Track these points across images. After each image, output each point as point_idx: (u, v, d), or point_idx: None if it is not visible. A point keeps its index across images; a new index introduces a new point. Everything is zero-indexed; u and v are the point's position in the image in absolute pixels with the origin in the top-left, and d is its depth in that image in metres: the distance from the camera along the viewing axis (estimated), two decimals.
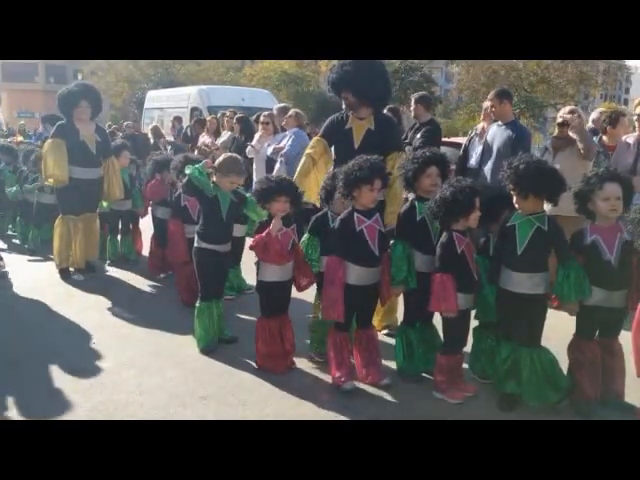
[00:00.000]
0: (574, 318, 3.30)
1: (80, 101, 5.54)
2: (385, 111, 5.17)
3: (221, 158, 4.10)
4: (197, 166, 3.89)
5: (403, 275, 3.48)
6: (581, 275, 3.11)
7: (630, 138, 5.11)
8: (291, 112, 7.13)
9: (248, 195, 4.19)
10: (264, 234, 3.52)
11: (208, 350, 3.96)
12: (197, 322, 4.00)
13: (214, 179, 3.98)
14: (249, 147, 7.24)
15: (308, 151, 4.56)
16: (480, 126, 6.24)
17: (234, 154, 4.41)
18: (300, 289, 3.75)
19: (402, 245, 3.53)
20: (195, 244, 4.06)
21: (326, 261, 3.47)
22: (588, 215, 3.23)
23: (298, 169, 4.50)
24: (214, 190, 3.94)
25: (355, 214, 3.45)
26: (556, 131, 5.28)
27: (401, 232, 3.60)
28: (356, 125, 4.41)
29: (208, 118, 9.83)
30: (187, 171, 3.89)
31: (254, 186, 3.77)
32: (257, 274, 3.75)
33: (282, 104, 7.57)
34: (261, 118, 7.51)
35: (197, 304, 4.02)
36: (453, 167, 6.90)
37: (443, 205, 3.24)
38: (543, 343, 3.30)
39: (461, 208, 3.22)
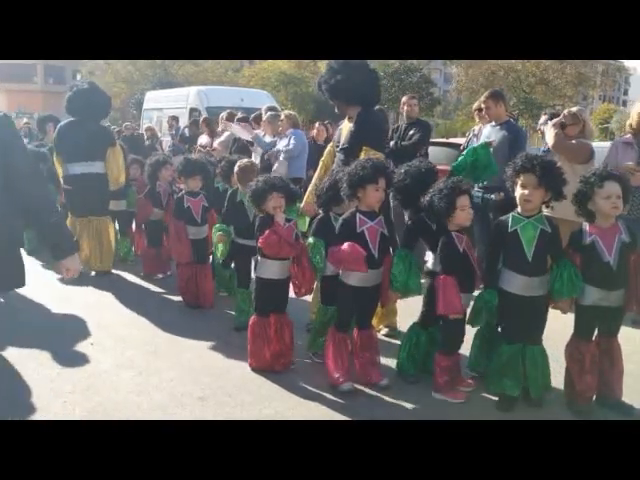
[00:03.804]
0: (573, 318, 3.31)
1: None
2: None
3: (237, 169, 4.53)
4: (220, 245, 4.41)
5: (402, 282, 3.44)
6: (574, 274, 3.13)
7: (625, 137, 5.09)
8: (283, 116, 7.11)
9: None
10: (274, 229, 3.49)
11: (241, 327, 4.27)
12: (238, 303, 4.54)
13: (240, 187, 4.49)
14: (253, 133, 7.20)
15: (323, 157, 4.65)
16: (477, 128, 6.29)
17: (246, 161, 4.67)
18: (299, 295, 3.72)
19: (404, 251, 3.51)
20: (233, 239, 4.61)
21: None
22: (588, 216, 3.21)
23: (314, 177, 4.62)
24: (240, 196, 4.46)
25: (358, 215, 3.44)
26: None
27: (407, 242, 3.61)
28: (345, 125, 4.44)
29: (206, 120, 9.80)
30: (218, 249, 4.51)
31: (248, 189, 3.78)
32: (255, 270, 3.76)
33: (273, 111, 7.53)
34: (264, 117, 7.49)
35: (239, 290, 4.59)
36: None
37: (431, 209, 3.33)
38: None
39: (441, 210, 3.28)
